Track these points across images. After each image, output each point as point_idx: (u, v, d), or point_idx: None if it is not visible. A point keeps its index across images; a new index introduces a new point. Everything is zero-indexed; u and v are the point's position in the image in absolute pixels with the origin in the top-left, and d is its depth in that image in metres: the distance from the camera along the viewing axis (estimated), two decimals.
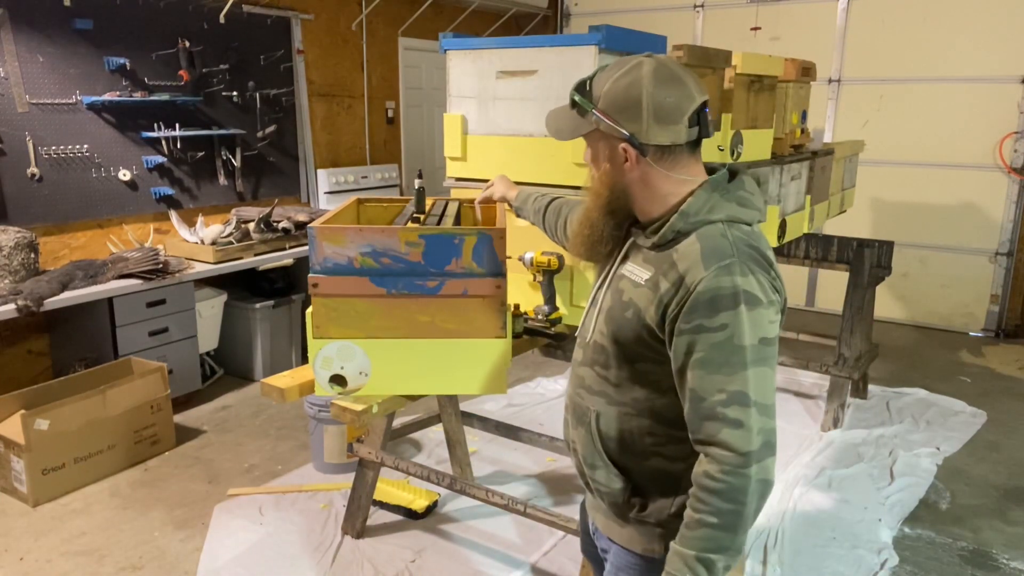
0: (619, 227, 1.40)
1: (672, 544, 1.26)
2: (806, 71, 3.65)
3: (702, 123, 1.31)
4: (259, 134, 5.02)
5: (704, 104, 1.31)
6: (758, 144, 3.19)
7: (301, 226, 4.62)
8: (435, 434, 3.75)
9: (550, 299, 2.37)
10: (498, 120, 2.54)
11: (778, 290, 1.27)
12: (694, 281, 1.21)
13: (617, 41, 2.32)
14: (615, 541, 1.46)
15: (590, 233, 1.40)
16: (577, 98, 1.35)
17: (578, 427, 1.44)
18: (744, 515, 1.19)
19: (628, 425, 1.36)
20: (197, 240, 4.31)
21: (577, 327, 1.53)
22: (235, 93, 4.82)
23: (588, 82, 1.36)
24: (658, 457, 1.35)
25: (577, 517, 1.94)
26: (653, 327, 1.27)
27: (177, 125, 4.47)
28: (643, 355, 1.32)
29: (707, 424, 1.20)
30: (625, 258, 1.39)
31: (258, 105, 4.97)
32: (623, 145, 1.32)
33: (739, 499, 1.18)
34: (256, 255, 4.41)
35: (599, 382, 1.39)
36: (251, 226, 4.48)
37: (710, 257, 1.22)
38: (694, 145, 1.33)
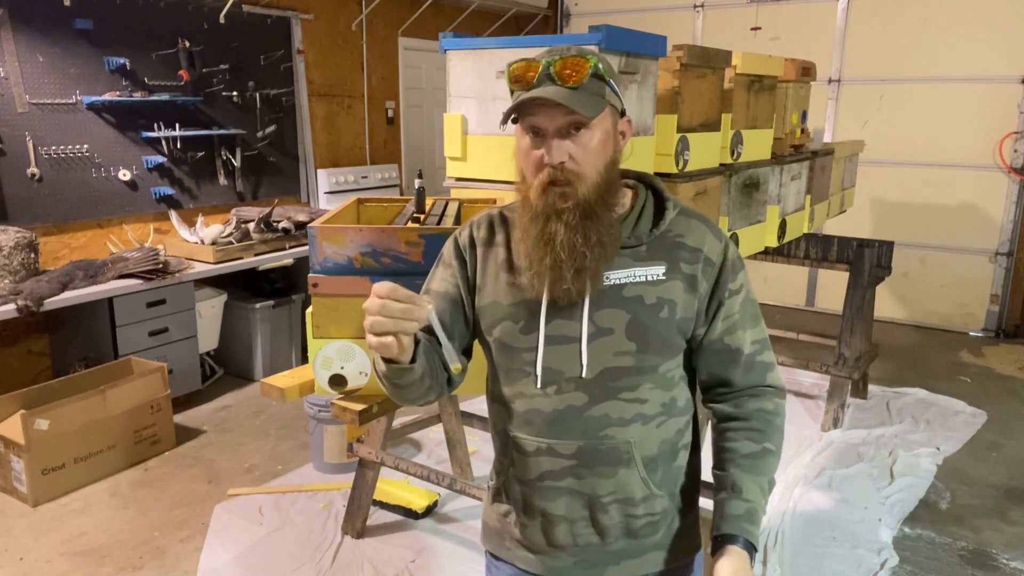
0: (611, 228, 1.22)
1: (738, 474, 1.25)
2: (806, 71, 3.65)
3: None
4: (259, 134, 5.02)
5: None
6: (758, 144, 3.19)
7: (301, 226, 4.62)
8: (435, 434, 3.76)
9: None
10: (498, 120, 2.54)
11: None
12: (715, 254, 1.27)
13: (617, 41, 2.32)
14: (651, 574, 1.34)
15: (582, 243, 1.18)
16: (602, 68, 1.18)
17: (615, 473, 1.25)
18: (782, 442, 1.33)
19: (664, 435, 1.28)
20: (197, 240, 4.31)
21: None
22: (235, 93, 4.82)
23: (588, 57, 1.19)
24: (686, 449, 1.34)
25: None
26: (688, 315, 1.25)
27: (177, 125, 4.47)
28: (668, 353, 1.26)
29: (752, 373, 1.30)
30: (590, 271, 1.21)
31: (258, 105, 4.97)
32: (627, 119, 1.25)
33: (782, 428, 1.32)
34: (256, 255, 4.42)
35: (629, 408, 1.24)
36: (251, 226, 4.48)
37: (715, 231, 1.30)
38: None
